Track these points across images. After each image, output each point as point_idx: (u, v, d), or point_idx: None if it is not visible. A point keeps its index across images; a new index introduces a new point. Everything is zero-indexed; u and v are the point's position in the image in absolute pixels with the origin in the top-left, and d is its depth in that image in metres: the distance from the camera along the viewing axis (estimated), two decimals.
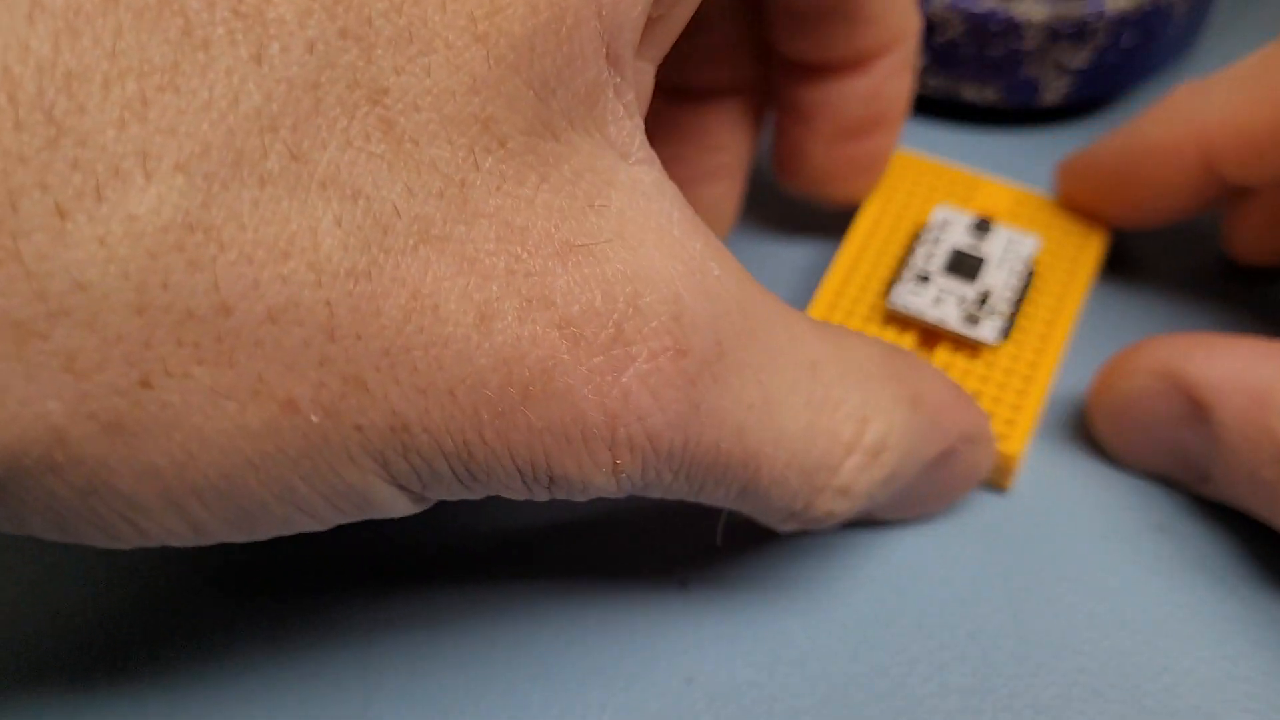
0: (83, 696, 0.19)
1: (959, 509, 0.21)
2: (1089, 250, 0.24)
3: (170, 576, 0.21)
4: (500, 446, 0.13)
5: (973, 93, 0.27)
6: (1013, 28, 0.25)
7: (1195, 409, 0.19)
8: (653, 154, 0.15)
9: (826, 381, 0.16)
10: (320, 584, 0.21)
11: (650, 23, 0.14)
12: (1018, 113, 0.28)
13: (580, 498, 0.15)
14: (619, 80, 0.14)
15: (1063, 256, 0.24)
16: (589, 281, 0.13)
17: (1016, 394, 0.21)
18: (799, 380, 0.16)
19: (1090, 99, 0.28)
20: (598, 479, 0.14)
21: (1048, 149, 0.27)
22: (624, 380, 0.14)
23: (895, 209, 0.24)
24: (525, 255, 0.13)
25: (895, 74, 0.22)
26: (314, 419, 0.12)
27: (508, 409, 0.13)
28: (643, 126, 0.15)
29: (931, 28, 0.26)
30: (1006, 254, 0.23)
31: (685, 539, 0.21)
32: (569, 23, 0.13)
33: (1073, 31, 0.25)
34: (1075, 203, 0.24)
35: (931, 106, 0.28)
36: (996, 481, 0.21)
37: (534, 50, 0.13)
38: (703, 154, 0.23)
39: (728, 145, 0.23)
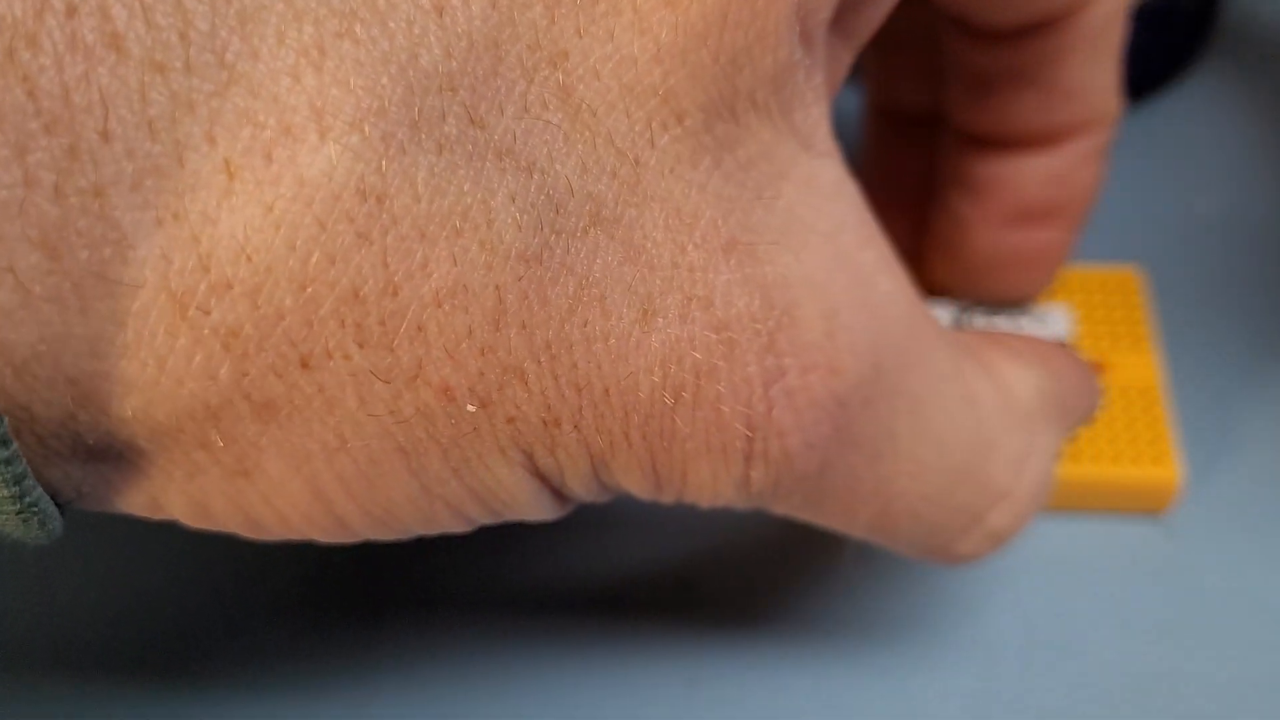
0: (82, 697, 0.19)
1: None
2: (1130, 294, 0.23)
3: (171, 583, 0.21)
4: (644, 451, 0.13)
5: None
6: None
7: None
8: (835, 147, 0.13)
9: (985, 418, 0.15)
10: (319, 586, 0.21)
11: (857, 1, 0.13)
12: None
13: (705, 505, 0.14)
14: (809, 62, 0.13)
15: (1103, 313, 0.23)
16: (749, 283, 0.12)
17: None
18: (956, 416, 0.15)
19: None
20: (728, 491, 0.14)
21: None
22: (770, 393, 0.13)
23: None
24: (690, 247, 0.12)
25: (1088, 160, 0.19)
26: (470, 409, 0.12)
27: (657, 413, 0.12)
28: (829, 115, 0.14)
29: None
30: (1041, 330, 0.21)
31: (690, 540, 0.21)
32: None
33: None
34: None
35: None
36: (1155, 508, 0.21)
37: (726, 21, 0.12)
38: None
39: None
